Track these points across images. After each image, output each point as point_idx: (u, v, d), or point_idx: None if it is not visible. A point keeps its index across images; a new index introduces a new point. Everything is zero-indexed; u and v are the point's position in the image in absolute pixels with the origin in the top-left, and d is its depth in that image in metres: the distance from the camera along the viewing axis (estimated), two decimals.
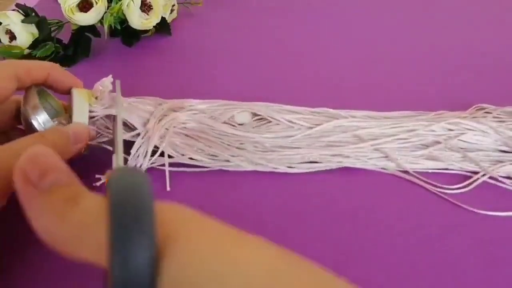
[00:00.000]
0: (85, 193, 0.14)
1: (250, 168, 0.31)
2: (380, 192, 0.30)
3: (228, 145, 0.32)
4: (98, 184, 0.29)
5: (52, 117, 0.27)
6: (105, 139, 0.30)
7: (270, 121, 0.35)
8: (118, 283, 0.11)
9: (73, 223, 0.13)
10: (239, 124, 0.34)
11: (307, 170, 0.31)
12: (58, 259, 0.25)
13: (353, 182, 0.31)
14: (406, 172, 0.32)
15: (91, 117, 0.29)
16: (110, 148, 0.29)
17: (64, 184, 0.14)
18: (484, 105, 0.38)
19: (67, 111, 0.28)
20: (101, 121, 0.30)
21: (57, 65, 0.29)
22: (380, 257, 0.26)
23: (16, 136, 0.24)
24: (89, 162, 0.30)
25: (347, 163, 0.32)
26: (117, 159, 0.23)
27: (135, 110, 0.32)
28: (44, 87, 0.28)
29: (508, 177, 0.32)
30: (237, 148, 0.32)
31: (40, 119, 0.26)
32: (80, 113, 0.27)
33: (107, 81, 0.29)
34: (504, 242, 0.27)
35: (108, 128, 0.30)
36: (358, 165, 0.32)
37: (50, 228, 0.13)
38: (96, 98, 0.29)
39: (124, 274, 0.11)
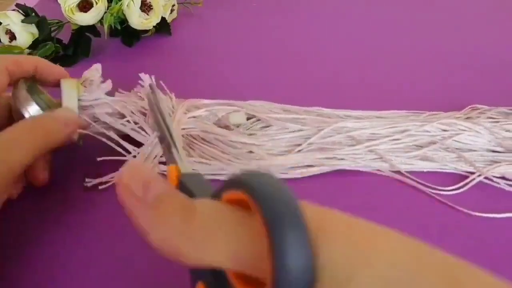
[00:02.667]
0: (192, 200, 0.14)
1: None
2: (374, 194, 0.30)
3: (223, 152, 0.32)
4: (88, 185, 0.29)
5: (43, 108, 0.27)
6: (97, 129, 0.30)
7: (266, 123, 0.34)
8: (285, 283, 0.11)
9: (195, 231, 0.13)
10: (234, 125, 0.33)
11: (301, 176, 0.31)
12: (58, 259, 0.25)
13: (347, 184, 0.31)
14: (400, 173, 0.31)
15: (82, 107, 0.28)
16: (103, 139, 0.29)
17: (168, 193, 0.14)
18: (478, 106, 0.38)
19: (57, 104, 0.28)
20: (91, 110, 0.29)
21: (42, 58, 0.29)
22: None
23: None
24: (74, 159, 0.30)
25: (341, 165, 0.31)
26: (180, 157, 0.20)
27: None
28: (32, 81, 0.28)
29: (502, 178, 0.31)
30: (229, 157, 0.31)
31: (31, 111, 0.26)
32: (69, 99, 0.28)
33: (95, 69, 0.29)
34: (499, 243, 0.27)
35: (96, 118, 0.30)
36: (353, 166, 0.31)
37: (171, 239, 0.13)
38: (85, 87, 0.29)
39: (290, 274, 0.11)
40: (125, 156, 0.30)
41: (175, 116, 0.32)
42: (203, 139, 0.32)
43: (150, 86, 0.29)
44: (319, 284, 0.12)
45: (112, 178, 0.29)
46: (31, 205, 0.28)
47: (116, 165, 0.29)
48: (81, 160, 0.31)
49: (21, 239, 0.26)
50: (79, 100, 0.28)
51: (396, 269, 0.12)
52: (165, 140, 0.21)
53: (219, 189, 0.15)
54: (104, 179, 0.29)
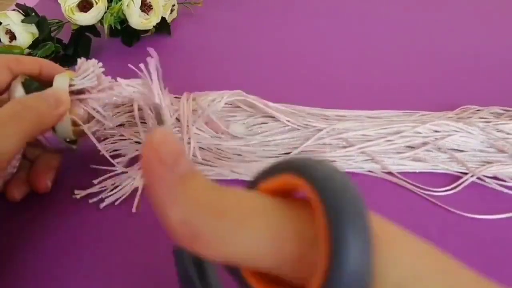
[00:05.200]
0: (222, 185, 0.12)
1: (229, 177, 0.31)
2: (366, 195, 0.30)
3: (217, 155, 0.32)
4: (78, 196, 0.29)
5: None
6: (95, 129, 0.29)
7: (262, 124, 0.35)
8: (342, 280, 0.10)
9: (226, 214, 0.11)
10: (234, 135, 0.34)
11: None
12: (56, 258, 0.25)
13: None
14: (392, 174, 0.32)
15: (75, 92, 0.28)
16: (97, 144, 0.29)
17: (198, 172, 0.12)
18: (470, 106, 0.38)
19: None
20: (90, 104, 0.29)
21: (45, 59, 0.29)
22: None
23: None
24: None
25: None
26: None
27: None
28: (29, 77, 0.28)
29: (494, 178, 0.32)
30: (220, 157, 0.32)
31: None
32: (59, 82, 0.27)
33: (84, 59, 0.29)
34: (492, 243, 0.27)
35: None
36: (345, 168, 0.32)
37: (194, 219, 0.11)
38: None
39: (346, 275, 0.10)
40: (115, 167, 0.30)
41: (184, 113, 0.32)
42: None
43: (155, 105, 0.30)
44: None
45: (102, 187, 0.29)
46: (29, 207, 0.28)
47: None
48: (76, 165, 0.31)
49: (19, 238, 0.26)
50: (70, 85, 0.27)
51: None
52: None
53: (254, 180, 0.13)
54: (93, 189, 0.29)
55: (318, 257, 0.10)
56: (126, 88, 0.30)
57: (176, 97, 0.35)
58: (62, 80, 0.27)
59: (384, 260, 0.11)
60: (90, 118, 0.29)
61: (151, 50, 0.29)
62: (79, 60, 0.29)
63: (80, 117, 0.28)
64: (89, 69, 0.28)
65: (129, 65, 0.32)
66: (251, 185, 0.13)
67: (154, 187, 0.11)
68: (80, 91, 0.28)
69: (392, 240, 0.11)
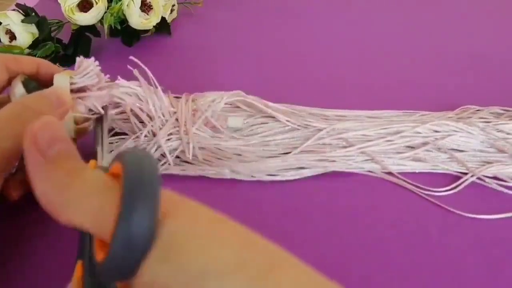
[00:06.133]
0: (86, 167, 0.15)
1: (230, 176, 0.31)
2: (366, 195, 0.31)
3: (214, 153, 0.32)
4: None
5: None
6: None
7: (261, 124, 0.35)
8: (120, 241, 0.12)
9: (73, 192, 0.14)
10: (231, 128, 0.34)
11: (292, 178, 0.31)
12: (57, 257, 0.25)
13: (339, 185, 0.31)
14: (392, 174, 0.32)
15: (75, 90, 0.28)
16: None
17: (68, 156, 0.15)
18: (470, 106, 0.38)
19: None
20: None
21: (42, 59, 0.29)
22: (367, 262, 0.26)
23: None
24: None
25: (333, 167, 0.32)
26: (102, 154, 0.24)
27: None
28: (28, 77, 0.28)
29: (494, 178, 0.32)
30: (220, 157, 0.32)
31: None
32: (60, 81, 0.27)
33: (82, 58, 0.29)
34: (492, 243, 0.28)
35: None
36: (345, 168, 0.32)
37: (51, 195, 0.14)
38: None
39: (128, 234, 0.12)
40: None
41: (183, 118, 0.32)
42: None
43: (104, 107, 0.30)
44: (152, 252, 0.13)
45: None
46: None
47: None
48: None
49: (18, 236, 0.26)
50: (71, 84, 0.27)
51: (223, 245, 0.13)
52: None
53: (109, 164, 0.16)
54: None
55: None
56: (121, 89, 0.30)
57: (176, 97, 0.35)
58: (63, 78, 0.27)
59: (162, 227, 0.13)
60: (88, 117, 0.29)
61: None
62: (77, 59, 0.29)
63: (81, 115, 0.28)
64: (89, 67, 0.28)
65: (128, 66, 0.33)
66: (105, 168, 0.16)
67: (28, 166, 0.14)
68: (81, 89, 0.28)
69: (173, 210, 0.14)
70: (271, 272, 0.13)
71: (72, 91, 0.27)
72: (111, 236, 0.13)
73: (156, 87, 0.33)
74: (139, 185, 0.13)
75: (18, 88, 0.26)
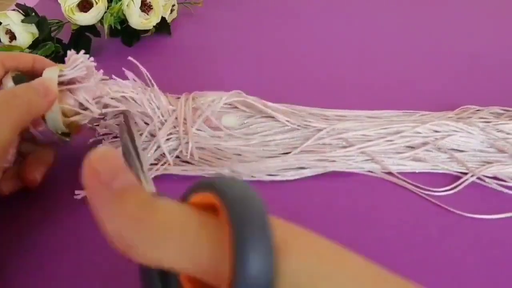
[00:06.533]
0: (157, 198, 0.13)
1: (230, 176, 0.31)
2: (366, 195, 0.31)
3: (214, 154, 0.32)
4: (79, 197, 0.29)
5: None
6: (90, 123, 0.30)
7: (261, 124, 0.35)
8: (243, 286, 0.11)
9: (153, 227, 0.12)
10: (226, 127, 0.34)
11: (292, 178, 0.31)
12: (56, 257, 0.25)
13: (339, 185, 0.31)
14: (392, 174, 0.32)
15: (65, 83, 0.28)
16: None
17: (136, 186, 0.13)
18: (470, 106, 0.38)
19: None
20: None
21: (40, 56, 0.29)
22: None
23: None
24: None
25: (333, 167, 0.32)
26: (145, 179, 0.20)
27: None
28: (19, 73, 0.28)
29: (494, 178, 0.32)
30: (220, 157, 0.32)
31: None
32: (48, 73, 0.27)
33: (73, 51, 0.29)
34: (492, 243, 0.28)
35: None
36: (345, 168, 0.32)
37: (126, 232, 0.13)
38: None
39: (248, 278, 0.11)
40: None
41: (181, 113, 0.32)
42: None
43: (124, 112, 0.30)
44: None
45: None
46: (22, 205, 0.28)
47: None
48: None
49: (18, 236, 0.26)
50: (60, 76, 0.27)
51: (355, 284, 0.12)
52: (133, 163, 0.21)
53: (186, 192, 0.15)
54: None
55: (226, 267, 0.12)
56: (115, 91, 0.30)
57: (177, 98, 0.35)
58: (52, 71, 0.27)
59: (283, 265, 0.12)
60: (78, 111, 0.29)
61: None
62: (68, 53, 0.29)
63: (70, 107, 0.28)
64: (78, 59, 0.28)
65: (123, 69, 0.33)
66: (184, 197, 0.15)
67: (93, 202, 0.13)
68: (71, 82, 0.28)
69: (291, 245, 0.13)
70: None
71: (62, 83, 0.28)
72: (230, 282, 0.11)
73: (153, 85, 0.33)
74: (250, 222, 0.12)
75: (8, 82, 0.26)
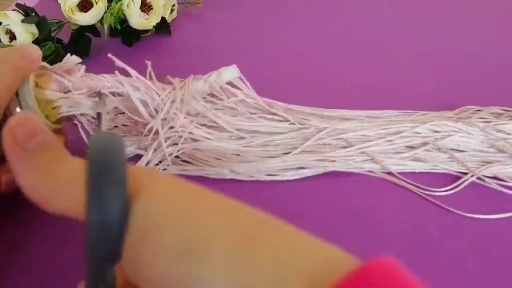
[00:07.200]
0: (67, 154, 0.15)
1: (229, 176, 0.31)
2: (366, 195, 0.31)
3: (213, 155, 0.32)
4: None
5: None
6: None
7: (261, 124, 0.35)
8: (94, 227, 0.13)
9: (56, 180, 0.14)
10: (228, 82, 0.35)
11: (292, 178, 0.31)
12: (57, 257, 0.25)
13: (339, 185, 0.31)
14: (392, 174, 0.32)
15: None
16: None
17: (49, 145, 0.15)
18: (470, 106, 0.38)
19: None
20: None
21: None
22: None
23: None
24: None
25: (333, 167, 0.32)
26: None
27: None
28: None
29: (494, 178, 0.32)
30: (219, 157, 0.32)
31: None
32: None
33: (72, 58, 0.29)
34: (492, 243, 0.28)
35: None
36: (345, 168, 0.32)
37: (35, 185, 0.14)
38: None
39: (99, 219, 0.12)
40: None
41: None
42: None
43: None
44: (130, 233, 0.13)
45: None
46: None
47: None
48: None
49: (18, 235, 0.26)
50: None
51: (194, 229, 0.13)
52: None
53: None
54: None
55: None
56: (97, 79, 0.30)
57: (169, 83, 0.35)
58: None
59: (134, 208, 0.13)
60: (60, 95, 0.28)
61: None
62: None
63: (53, 92, 0.27)
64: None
65: (116, 72, 0.32)
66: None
67: (11, 163, 0.15)
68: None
69: (146, 190, 0.14)
70: (252, 241, 0.13)
71: (45, 67, 0.28)
72: (85, 219, 0.13)
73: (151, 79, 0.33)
74: (102, 168, 0.13)
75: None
